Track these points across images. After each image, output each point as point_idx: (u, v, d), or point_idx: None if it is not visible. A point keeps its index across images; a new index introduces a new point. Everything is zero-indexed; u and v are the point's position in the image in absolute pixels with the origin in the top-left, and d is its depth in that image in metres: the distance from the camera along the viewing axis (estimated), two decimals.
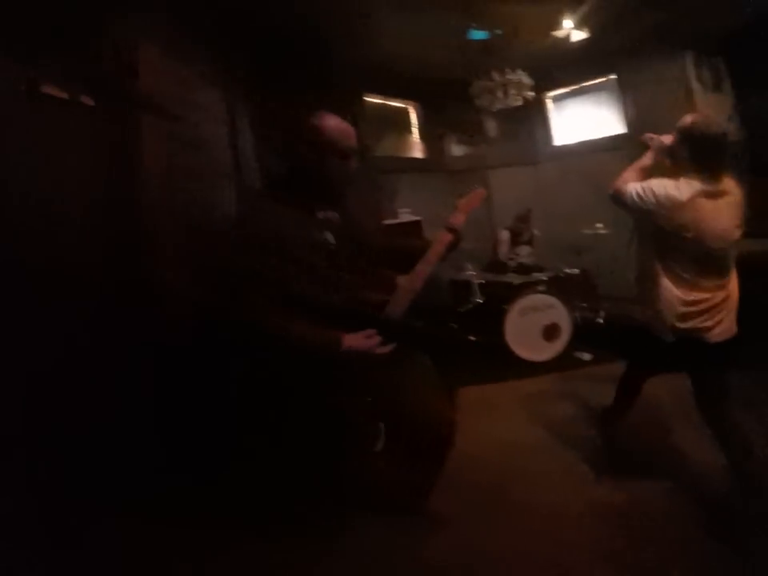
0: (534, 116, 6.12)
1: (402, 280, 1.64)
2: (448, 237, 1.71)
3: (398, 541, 1.86)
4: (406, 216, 3.75)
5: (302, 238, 1.53)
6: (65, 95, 1.89)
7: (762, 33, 4.35)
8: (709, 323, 1.99)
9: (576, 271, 4.49)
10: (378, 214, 2.19)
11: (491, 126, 5.99)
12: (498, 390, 3.58)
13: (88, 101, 2.01)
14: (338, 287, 1.58)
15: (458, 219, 1.76)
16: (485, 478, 2.36)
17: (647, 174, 2.22)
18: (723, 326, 2.02)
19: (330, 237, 1.61)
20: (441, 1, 3.90)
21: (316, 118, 1.59)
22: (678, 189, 1.94)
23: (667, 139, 2.17)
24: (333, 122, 1.60)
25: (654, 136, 2.29)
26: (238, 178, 2.88)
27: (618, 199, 2.17)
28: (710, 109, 4.68)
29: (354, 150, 1.64)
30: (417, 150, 5.82)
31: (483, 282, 4.36)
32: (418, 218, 3.55)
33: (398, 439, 1.65)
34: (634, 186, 2.09)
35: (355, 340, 1.50)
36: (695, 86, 4.77)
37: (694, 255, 1.97)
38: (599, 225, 4.58)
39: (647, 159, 2.28)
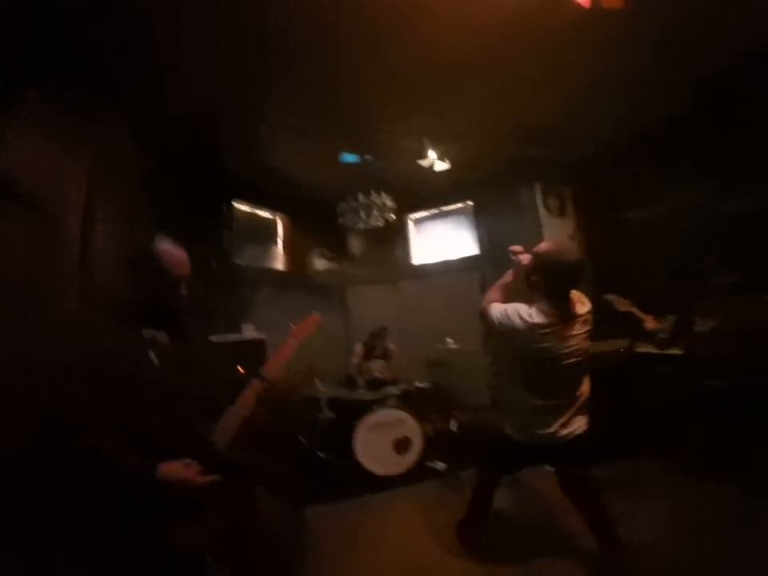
0: (395, 236, 6.52)
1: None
2: (257, 386, 1.66)
3: None
4: (249, 333, 3.69)
5: (126, 356, 1.50)
6: None
7: (604, 165, 5.16)
8: (560, 423, 2.19)
9: (428, 384, 4.61)
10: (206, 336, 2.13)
11: (354, 244, 6.31)
12: (355, 508, 3.49)
13: None
14: (162, 411, 1.49)
15: (272, 368, 1.71)
16: None
17: (510, 290, 2.43)
18: (575, 425, 2.22)
19: (153, 357, 1.56)
20: (323, 124, 4.20)
21: (154, 244, 1.60)
22: (530, 315, 2.15)
23: (525, 258, 2.37)
24: (168, 249, 1.61)
25: (517, 251, 2.44)
26: (87, 283, 2.69)
27: (485, 318, 2.35)
28: (555, 231, 5.27)
29: (185, 278, 1.64)
30: (279, 262, 5.89)
31: (333, 398, 4.34)
32: (261, 337, 3.51)
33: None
34: (497, 308, 2.27)
35: (171, 469, 1.42)
36: (542, 212, 5.36)
37: (549, 369, 2.17)
38: (450, 340, 4.79)
39: (508, 277, 2.48)
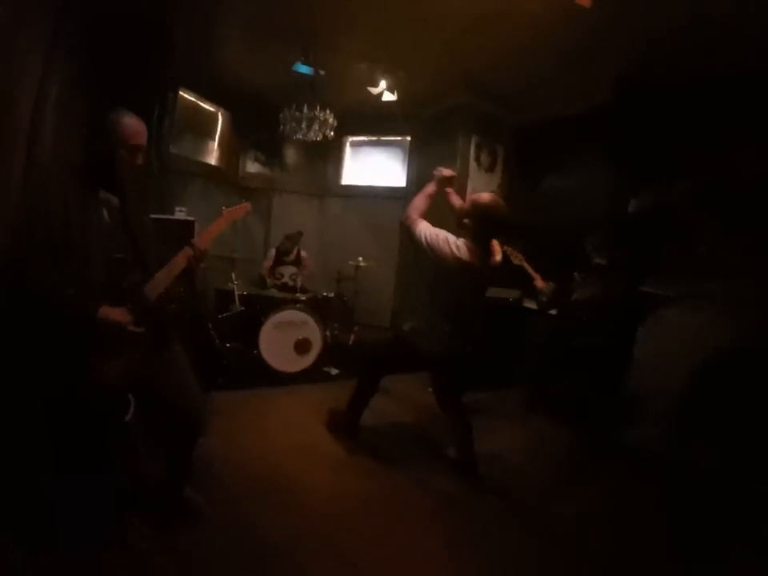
0: (330, 154, 6.71)
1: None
2: (189, 252, 1.89)
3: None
4: (180, 215, 3.91)
5: (81, 212, 1.70)
6: None
7: (536, 134, 5.59)
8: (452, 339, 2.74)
9: (332, 294, 5.01)
10: (149, 208, 2.34)
11: (289, 153, 6.44)
12: (250, 396, 3.86)
13: None
14: (107, 264, 1.74)
15: (203, 241, 1.95)
16: (255, 474, 2.64)
17: (431, 200, 2.85)
18: (463, 346, 2.80)
19: (106, 215, 1.79)
20: (281, 30, 4.24)
21: (114, 114, 1.79)
22: (457, 248, 2.58)
23: (447, 172, 2.90)
24: (128, 120, 1.80)
25: (442, 169, 2.91)
26: (31, 145, 2.75)
27: (407, 229, 2.76)
28: (479, 183, 5.62)
29: (142, 148, 1.84)
30: (214, 157, 5.94)
31: (245, 293, 4.63)
32: (192, 219, 3.73)
33: (150, 414, 1.87)
34: (426, 228, 2.67)
35: (111, 312, 1.67)
36: (472, 163, 5.65)
37: (456, 294, 2.68)
38: (361, 259, 5.22)
39: (431, 188, 2.89)
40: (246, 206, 2.23)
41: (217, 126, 5.95)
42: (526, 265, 3.99)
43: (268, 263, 5.21)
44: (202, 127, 5.78)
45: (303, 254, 5.31)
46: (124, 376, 1.77)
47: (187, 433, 2.04)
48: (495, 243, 2.79)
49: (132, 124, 1.81)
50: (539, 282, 3.99)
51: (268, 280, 5.03)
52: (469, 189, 5.59)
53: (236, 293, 4.48)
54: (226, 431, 3.10)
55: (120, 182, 1.81)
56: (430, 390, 3.08)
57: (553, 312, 4.12)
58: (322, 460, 2.91)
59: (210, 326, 4.11)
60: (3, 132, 2.44)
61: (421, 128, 6.17)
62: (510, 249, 3.90)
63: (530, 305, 4.54)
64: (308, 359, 4.44)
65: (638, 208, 4.31)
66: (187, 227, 3.64)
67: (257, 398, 3.85)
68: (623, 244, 4.01)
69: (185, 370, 2.00)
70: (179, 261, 1.88)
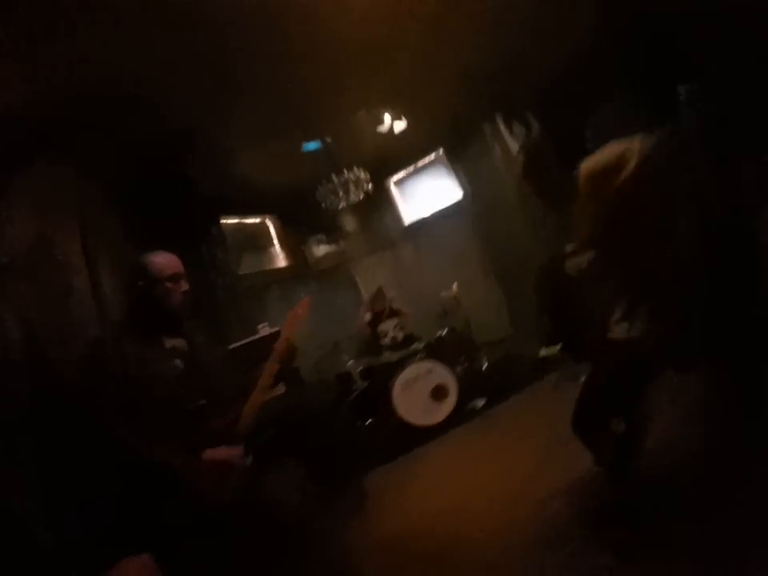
0: (381, 203, 6.63)
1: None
2: (271, 367, 1.87)
3: None
4: (264, 330, 3.94)
5: (155, 369, 1.74)
6: None
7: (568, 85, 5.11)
8: None
9: (445, 331, 4.80)
10: (221, 340, 2.37)
11: (346, 222, 6.48)
12: (409, 462, 3.69)
13: None
14: (192, 412, 1.73)
15: (282, 345, 1.95)
16: (424, 547, 2.34)
17: None
18: None
19: (179, 363, 1.82)
20: (276, 127, 4.35)
21: (139, 258, 1.89)
22: None
23: None
24: (153, 257, 1.88)
25: None
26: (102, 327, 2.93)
27: None
28: None
29: (179, 275, 1.89)
30: (280, 259, 6.09)
31: (363, 368, 4.57)
32: (276, 329, 3.74)
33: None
34: None
35: (215, 453, 1.65)
36: (509, 141, 5.38)
37: None
38: (455, 285, 5.01)
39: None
40: (306, 300, 2.18)
41: (270, 233, 6.13)
42: None
43: (362, 323, 5.08)
44: (257, 240, 5.97)
45: (396, 305, 5.18)
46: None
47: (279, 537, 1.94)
48: None
49: (158, 258, 1.89)
50: None
51: (380, 343, 4.89)
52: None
53: (354, 371, 4.39)
54: (385, 508, 2.91)
55: (171, 313, 1.85)
56: None
57: None
58: (486, 518, 2.47)
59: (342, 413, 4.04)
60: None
61: (446, 135, 5.99)
62: None
63: None
64: (449, 403, 4.23)
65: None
66: (274, 339, 3.63)
67: (412, 463, 3.68)
68: None
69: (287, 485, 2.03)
70: (264, 379, 1.84)
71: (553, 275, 4.49)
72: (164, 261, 1.88)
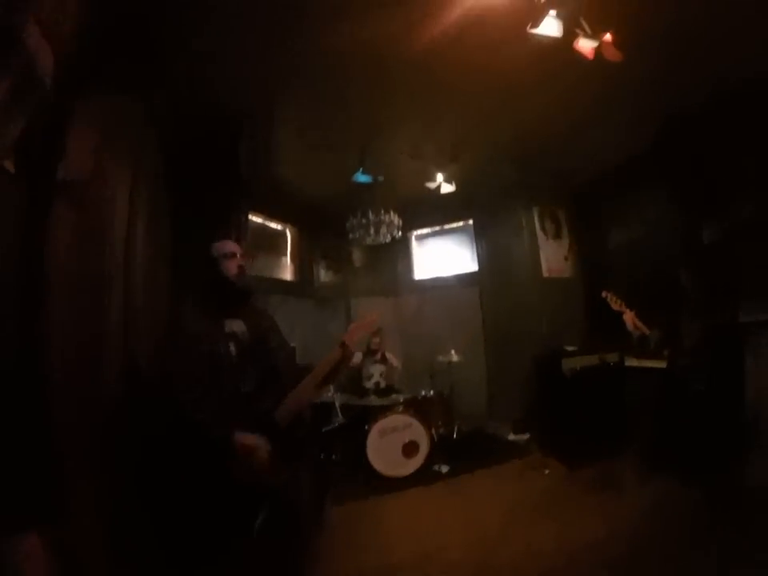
0: (398, 251, 6.76)
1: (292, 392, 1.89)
2: (339, 352, 1.96)
3: None
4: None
5: (211, 350, 1.85)
6: None
7: (594, 191, 5.53)
8: None
9: (431, 393, 4.85)
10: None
11: (358, 257, 6.55)
12: (366, 508, 3.66)
13: (10, 166, 1.97)
14: (237, 394, 1.85)
15: (353, 338, 2.02)
16: None
17: None
18: None
19: (233, 349, 1.91)
20: (337, 142, 4.44)
21: (217, 246, 2.09)
22: None
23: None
24: (218, 243, 2.11)
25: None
26: (127, 282, 2.88)
27: None
28: (551, 252, 5.61)
29: (236, 254, 2.08)
30: (288, 272, 6.08)
31: (345, 403, 4.57)
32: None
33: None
34: None
35: (245, 438, 1.74)
36: (539, 234, 5.64)
37: None
38: (453, 352, 5.05)
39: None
40: (374, 317, 2.26)
41: (286, 243, 6.13)
42: (627, 311, 3.78)
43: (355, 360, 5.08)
44: (272, 246, 5.95)
45: (387, 354, 5.23)
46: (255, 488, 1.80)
47: (302, 539, 2.05)
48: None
49: (221, 243, 2.13)
50: (630, 317, 3.76)
51: (366, 385, 4.92)
52: (542, 259, 5.56)
53: (336, 404, 4.39)
54: (344, 545, 2.91)
55: (229, 285, 2.01)
56: None
57: (660, 365, 3.80)
58: (452, 568, 2.62)
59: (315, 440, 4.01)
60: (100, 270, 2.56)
61: (481, 210, 6.22)
62: (610, 294, 3.84)
63: (632, 362, 4.26)
64: (417, 461, 4.26)
65: (712, 238, 4.15)
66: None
67: (372, 508, 3.66)
68: (711, 277, 3.78)
69: (307, 485, 2.11)
70: (324, 364, 1.95)
71: (548, 369, 4.68)
72: (224, 244, 2.12)
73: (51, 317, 2.11)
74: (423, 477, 4.18)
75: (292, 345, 3.01)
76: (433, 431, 4.55)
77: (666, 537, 2.61)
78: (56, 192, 2.26)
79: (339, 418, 4.35)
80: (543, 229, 5.71)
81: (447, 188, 5.01)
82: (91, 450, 2.06)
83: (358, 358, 5.07)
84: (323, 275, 6.34)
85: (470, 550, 2.76)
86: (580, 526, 2.83)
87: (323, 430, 4.25)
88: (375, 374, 5.06)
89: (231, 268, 2.03)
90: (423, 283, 6.78)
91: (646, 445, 3.84)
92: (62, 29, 0.47)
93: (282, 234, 6.10)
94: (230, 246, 2.12)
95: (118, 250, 2.78)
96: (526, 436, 4.96)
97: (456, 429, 5.10)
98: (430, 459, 4.31)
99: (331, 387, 4.46)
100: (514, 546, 2.72)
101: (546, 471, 3.93)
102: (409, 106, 3.94)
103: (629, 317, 3.77)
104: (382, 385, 4.99)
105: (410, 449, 4.23)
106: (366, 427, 4.15)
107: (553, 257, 5.55)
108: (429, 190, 5.08)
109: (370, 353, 5.16)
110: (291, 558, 2.04)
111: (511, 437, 5.05)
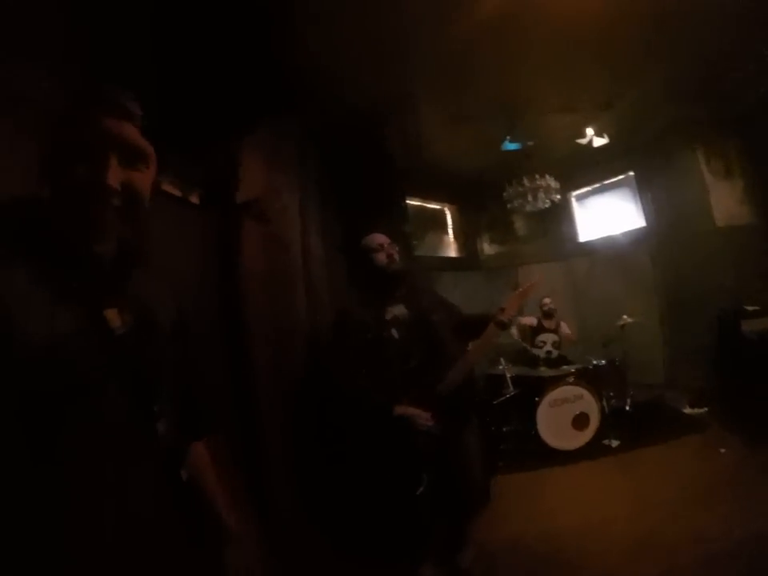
0: (561, 214, 6.55)
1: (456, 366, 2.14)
2: (495, 328, 2.11)
3: None
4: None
5: (376, 337, 2.12)
6: (178, 193, 2.34)
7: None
8: None
9: (603, 362, 4.71)
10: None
11: (520, 226, 6.53)
12: (533, 479, 3.77)
13: (195, 200, 2.45)
14: (401, 372, 2.10)
15: (510, 311, 2.14)
16: (541, 556, 2.60)
17: None
18: None
19: (395, 333, 2.15)
20: (480, 113, 4.50)
21: (365, 240, 2.31)
22: None
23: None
24: (368, 236, 2.31)
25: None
26: (307, 279, 3.37)
27: None
28: (722, 195, 5.05)
29: (383, 245, 2.26)
30: (452, 249, 6.30)
31: (515, 375, 4.60)
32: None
33: (439, 490, 2.09)
34: None
35: (407, 410, 2.00)
36: (707, 176, 5.10)
37: None
38: (625, 316, 4.84)
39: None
40: (536, 282, 2.32)
41: (447, 221, 6.33)
42: None
43: (526, 328, 5.18)
44: (434, 226, 6.19)
45: (561, 322, 5.20)
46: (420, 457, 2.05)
47: (470, 507, 2.28)
48: None
49: (369, 236, 2.30)
50: None
51: (537, 355, 4.94)
52: (713, 205, 5.03)
53: (507, 376, 4.52)
54: (510, 511, 3.09)
55: (383, 274, 2.23)
56: None
57: None
58: (613, 541, 2.65)
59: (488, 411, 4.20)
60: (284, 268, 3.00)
61: (640, 159, 5.80)
62: None
63: None
64: (587, 434, 4.21)
65: None
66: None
67: (539, 479, 3.76)
68: None
69: (473, 453, 2.27)
70: (486, 338, 2.13)
71: (727, 333, 4.26)
72: (370, 237, 2.30)
73: (249, 310, 2.63)
74: (593, 450, 4.15)
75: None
76: (604, 403, 4.46)
77: None
78: (240, 213, 2.73)
79: (510, 390, 4.43)
80: (710, 169, 5.12)
81: (599, 141, 4.81)
82: (282, 412, 2.60)
83: (531, 321, 5.20)
84: (488, 248, 6.46)
85: (633, 526, 2.77)
86: (752, 513, 2.65)
87: (494, 402, 4.40)
88: (548, 342, 5.07)
89: (381, 258, 2.23)
90: (590, 244, 6.55)
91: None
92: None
93: (441, 212, 6.32)
94: (377, 238, 2.29)
95: (295, 251, 3.28)
96: (704, 409, 4.63)
97: (629, 400, 4.88)
98: (601, 432, 4.26)
99: (502, 359, 4.64)
100: (678, 527, 2.67)
101: (722, 450, 3.63)
102: (551, 65, 3.84)
103: None
104: (554, 355, 4.97)
105: (580, 421, 4.19)
106: (537, 399, 4.19)
107: (723, 199, 4.96)
108: (582, 146, 4.92)
109: (543, 316, 5.17)
110: (456, 525, 2.31)
111: (687, 410, 4.75)
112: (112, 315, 0.77)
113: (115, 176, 0.74)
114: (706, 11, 3.32)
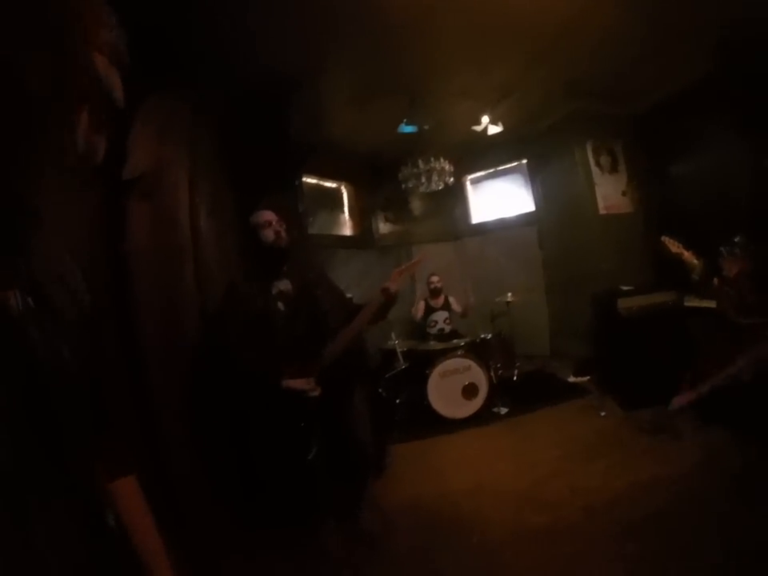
0: (455, 196, 6.78)
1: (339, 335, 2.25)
2: (381, 298, 2.25)
3: None
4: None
5: (262, 310, 2.19)
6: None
7: (652, 121, 5.31)
8: None
9: (490, 336, 4.92)
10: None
11: (416, 206, 6.62)
12: (427, 446, 3.90)
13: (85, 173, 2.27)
14: (288, 342, 2.19)
15: (394, 284, 2.26)
16: (435, 514, 2.73)
17: None
18: None
19: (281, 306, 2.25)
20: (383, 95, 4.51)
21: (254, 216, 2.35)
22: None
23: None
24: (257, 212, 2.35)
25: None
26: (197, 255, 3.19)
27: None
28: (607, 187, 5.43)
29: (273, 221, 2.31)
30: (348, 227, 6.30)
31: (406, 349, 4.75)
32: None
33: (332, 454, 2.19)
34: None
35: (293, 383, 2.11)
36: (594, 169, 5.45)
37: None
38: (511, 293, 5.11)
39: None
40: (420, 258, 2.51)
41: (343, 199, 6.31)
42: (685, 252, 3.56)
43: (419, 311, 5.33)
44: (329, 204, 6.15)
45: (450, 298, 5.35)
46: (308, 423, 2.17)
47: (362, 469, 2.47)
48: None
49: (258, 213, 2.36)
50: (689, 257, 3.54)
51: (428, 331, 5.12)
52: (598, 195, 5.39)
53: (398, 350, 4.60)
54: (405, 476, 3.25)
55: (270, 250, 2.29)
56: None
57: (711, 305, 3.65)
58: (502, 497, 2.85)
59: (380, 384, 4.27)
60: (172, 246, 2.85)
61: (534, 148, 6.12)
62: (666, 238, 3.61)
63: (692, 302, 4.09)
64: (476, 403, 4.41)
65: None
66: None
67: (432, 446, 3.90)
68: None
69: (361, 419, 2.46)
70: (368, 311, 2.27)
71: (604, 308, 4.61)
72: (258, 213, 2.35)
73: (137, 286, 2.53)
74: (482, 418, 4.35)
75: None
76: (492, 373, 4.69)
77: (711, 489, 2.57)
78: (126, 189, 2.61)
79: (401, 363, 4.55)
80: (598, 163, 5.51)
81: (494, 129, 4.99)
82: (175, 386, 2.52)
83: (421, 307, 5.31)
84: (382, 227, 6.51)
85: (518, 482, 2.98)
86: (627, 466, 2.94)
87: (386, 376, 4.47)
88: (439, 320, 5.25)
89: (269, 235, 2.28)
90: (481, 226, 6.84)
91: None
92: (120, 56, 0.57)
93: (338, 191, 6.27)
94: (265, 215, 2.33)
95: (185, 227, 3.10)
96: (587, 378, 4.98)
97: (516, 370, 5.19)
98: (490, 401, 4.46)
99: (393, 335, 4.69)
100: (560, 481, 2.90)
101: (602, 413, 3.97)
102: (455, 50, 3.90)
103: (687, 257, 3.61)
104: (446, 330, 5.17)
105: (469, 391, 4.38)
106: (427, 371, 4.33)
107: (608, 192, 5.36)
108: (477, 133, 5.08)
109: (431, 295, 5.32)
110: (351, 488, 2.36)
111: (571, 379, 5.09)
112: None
113: None
114: (615, 16, 3.51)
